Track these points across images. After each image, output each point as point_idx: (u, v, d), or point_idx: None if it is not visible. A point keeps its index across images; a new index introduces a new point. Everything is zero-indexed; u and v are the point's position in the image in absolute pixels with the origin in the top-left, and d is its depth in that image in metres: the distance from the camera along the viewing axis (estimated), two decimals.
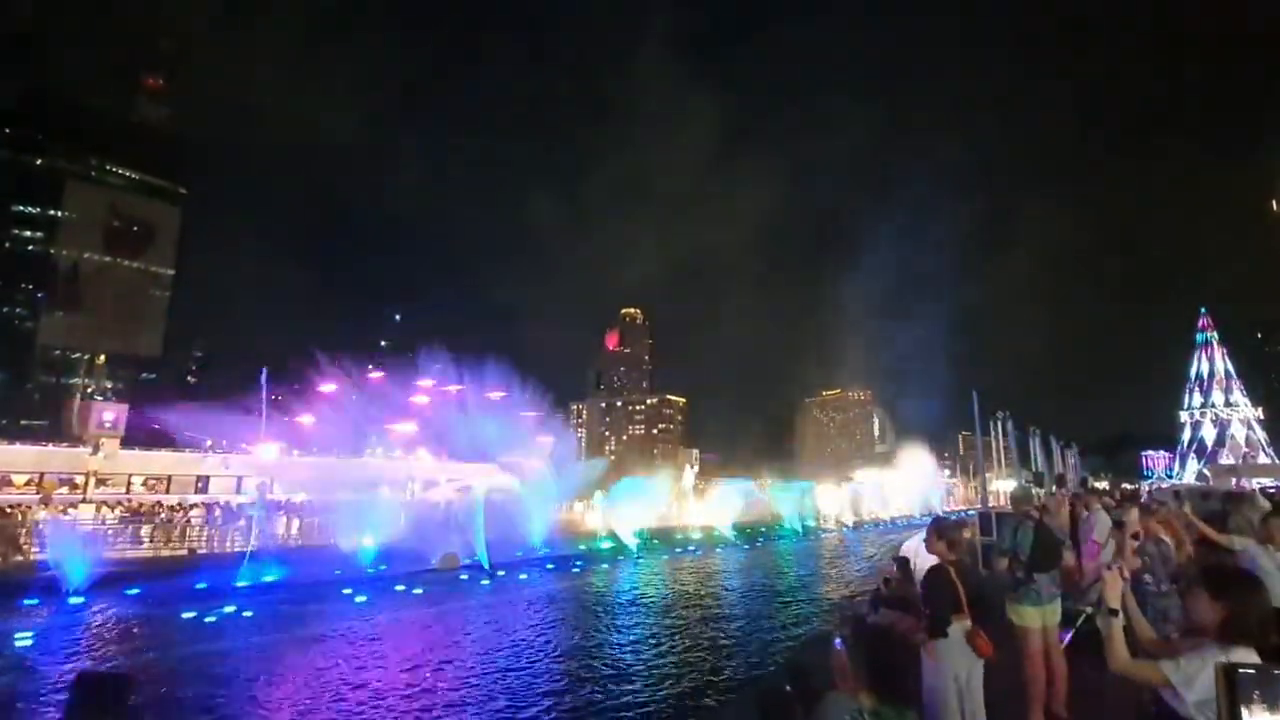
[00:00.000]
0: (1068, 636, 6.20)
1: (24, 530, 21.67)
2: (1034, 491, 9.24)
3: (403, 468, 44.21)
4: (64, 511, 25.33)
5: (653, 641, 13.63)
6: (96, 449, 31.21)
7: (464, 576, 23.00)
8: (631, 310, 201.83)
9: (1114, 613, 2.79)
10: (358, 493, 30.28)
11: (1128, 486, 38.49)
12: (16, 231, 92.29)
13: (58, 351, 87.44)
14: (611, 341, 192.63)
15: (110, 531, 23.51)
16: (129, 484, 32.72)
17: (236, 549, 23.68)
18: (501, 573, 23.52)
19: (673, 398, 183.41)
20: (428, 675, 11.09)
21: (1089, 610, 6.47)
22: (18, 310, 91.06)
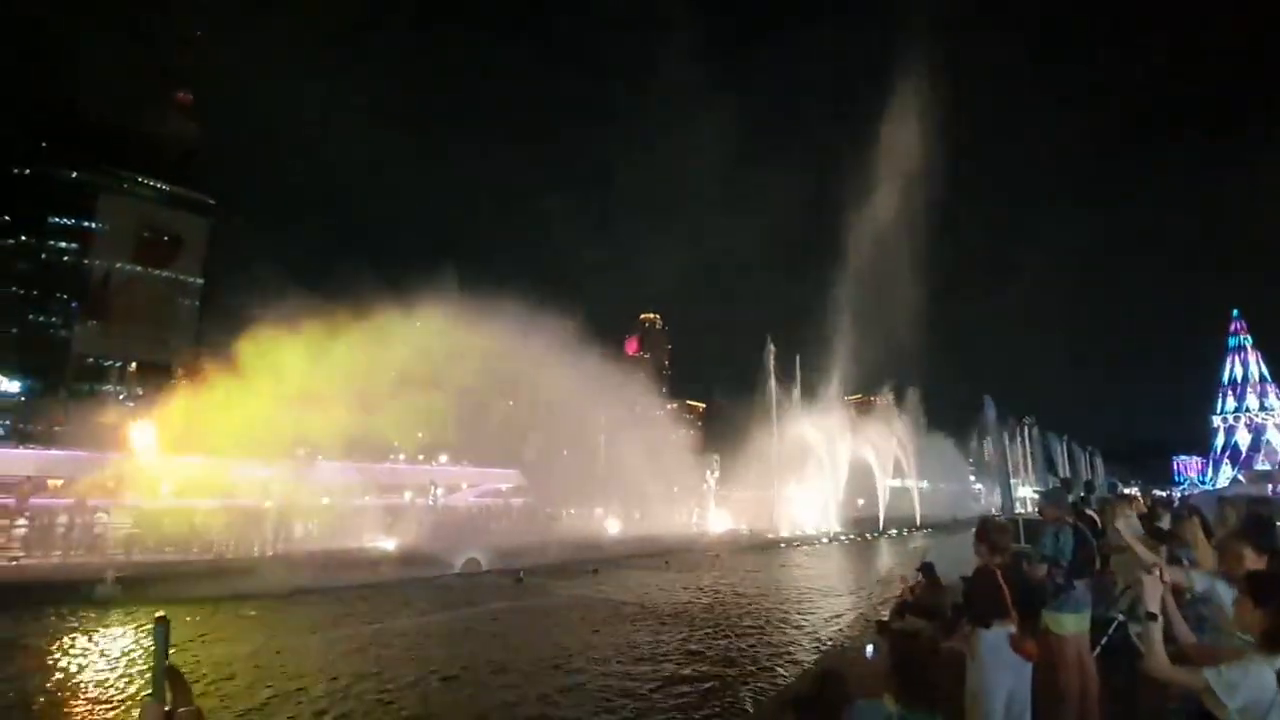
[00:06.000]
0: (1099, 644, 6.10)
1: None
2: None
3: (425, 473, 44.64)
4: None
5: (673, 646, 13.63)
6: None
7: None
8: (650, 315, 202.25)
9: (1153, 617, 2.76)
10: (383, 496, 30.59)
11: (1159, 493, 37.62)
12: (52, 243, 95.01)
13: (91, 359, 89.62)
14: (631, 347, 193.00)
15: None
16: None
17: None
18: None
19: (692, 403, 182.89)
20: None
21: (1120, 617, 6.36)
22: (53, 319, 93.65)
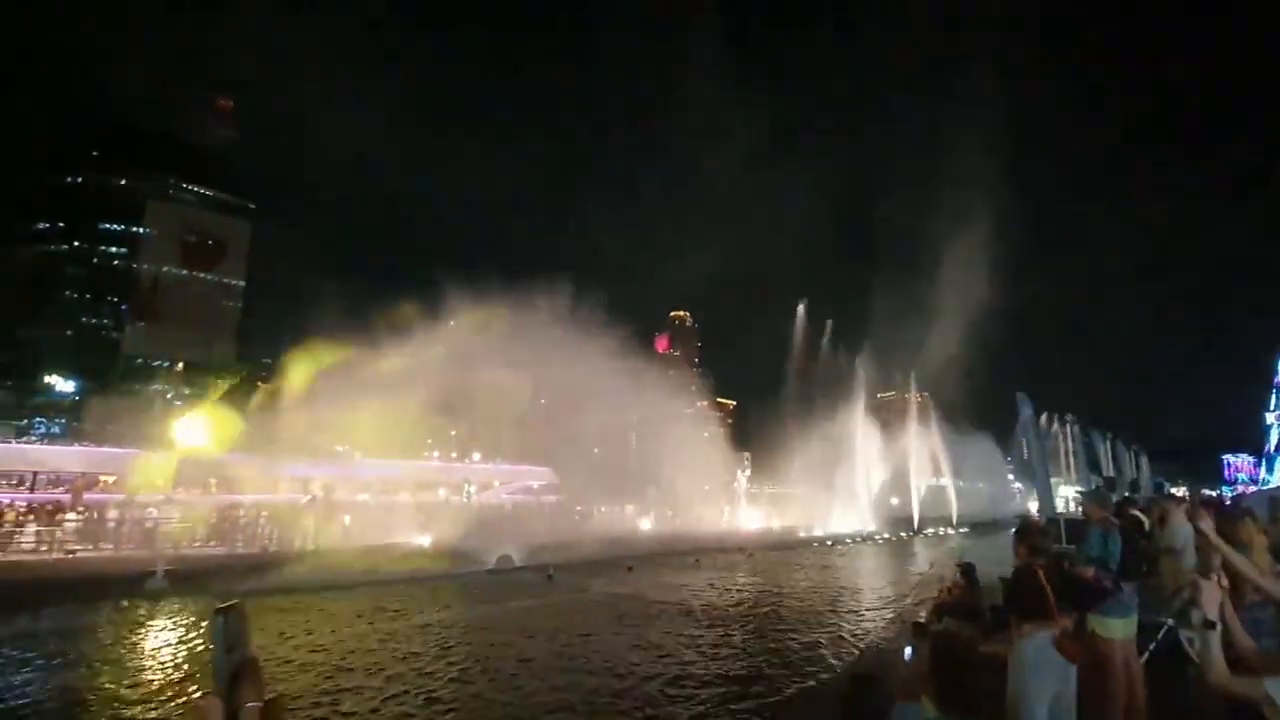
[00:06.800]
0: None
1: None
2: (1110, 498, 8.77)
3: (459, 470, 45.26)
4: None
5: (705, 646, 13.61)
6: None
7: None
8: (680, 313, 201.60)
9: (1211, 624, 2.65)
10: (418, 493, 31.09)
11: (1208, 493, 36.29)
12: (103, 248, 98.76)
13: (139, 360, 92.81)
14: (661, 345, 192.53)
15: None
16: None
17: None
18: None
19: (723, 401, 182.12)
20: None
21: (1169, 622, 6.15)
22: (104, 321, 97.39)
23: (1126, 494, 20.42)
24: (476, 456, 50.44)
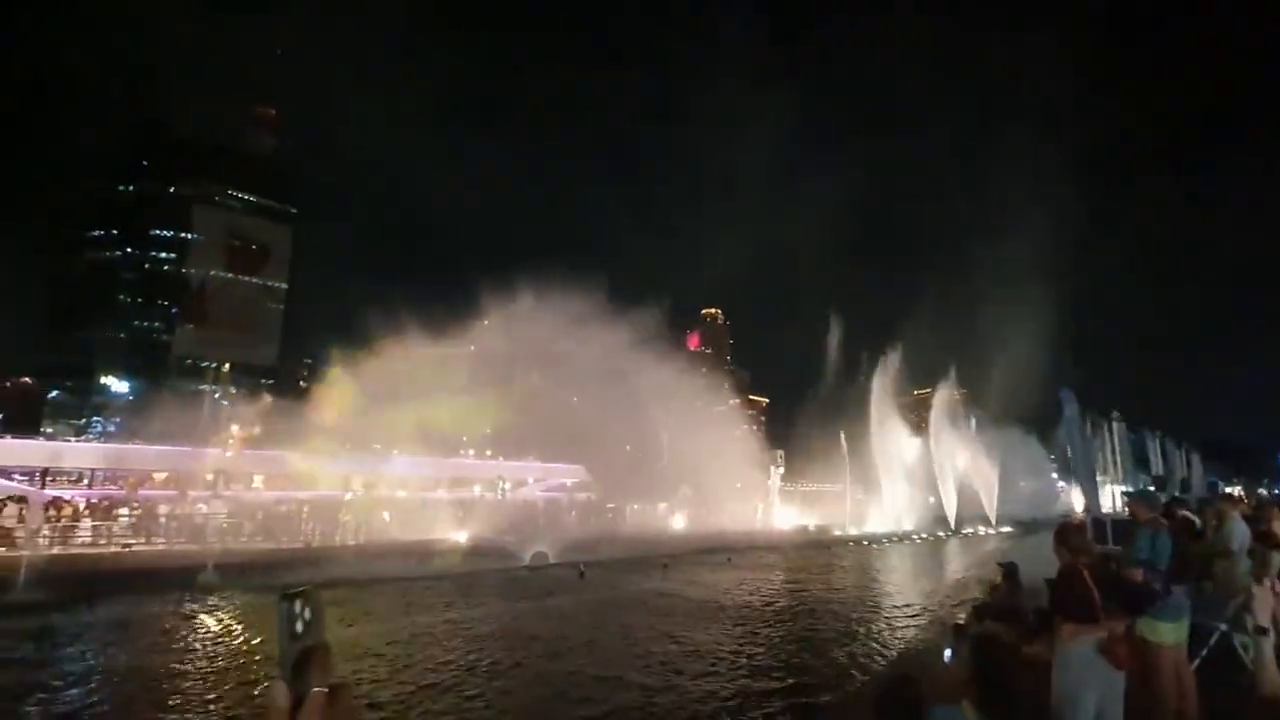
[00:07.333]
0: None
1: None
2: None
3: (493, 468, 45.75)
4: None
5: (740, 647, 13.56)
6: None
7: None
8: (712, 310, 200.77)
9: (1263, 631, 2.58)
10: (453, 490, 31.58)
11: (1264, 493, 34.95)
12: (153, 253, 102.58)
13: (189, 361, 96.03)
14: (693, 343, 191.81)
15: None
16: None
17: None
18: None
19: (755, 398, 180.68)
20: None
21: (1223, 627, 5.95)
22: (156, 324, 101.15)
23: (1176, 494, 19.74)
24: (510, 454, 50.88)
